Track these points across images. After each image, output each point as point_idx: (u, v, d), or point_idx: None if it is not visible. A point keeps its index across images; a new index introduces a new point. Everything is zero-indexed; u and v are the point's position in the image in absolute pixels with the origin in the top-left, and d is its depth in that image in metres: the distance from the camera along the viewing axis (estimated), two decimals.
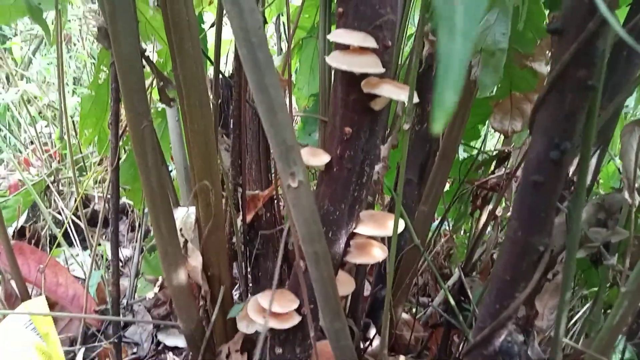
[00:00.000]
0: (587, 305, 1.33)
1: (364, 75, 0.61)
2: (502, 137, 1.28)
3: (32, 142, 2.04)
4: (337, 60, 0.57)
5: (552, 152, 0.35)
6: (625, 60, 1.06)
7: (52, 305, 1.16)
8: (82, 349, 1.07)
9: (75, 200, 1.47)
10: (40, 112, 2.30)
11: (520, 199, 0.40)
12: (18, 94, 1.72)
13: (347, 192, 0.69)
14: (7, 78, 2.16)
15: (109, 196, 0.99)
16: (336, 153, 0.66)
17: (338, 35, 0.57)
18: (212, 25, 1.14)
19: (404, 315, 1.44)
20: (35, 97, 2.12)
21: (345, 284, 0.88)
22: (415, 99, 0.59)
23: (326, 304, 0.54)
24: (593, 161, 1.11)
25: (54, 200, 1.53)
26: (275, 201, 1.09)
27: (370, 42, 0.56)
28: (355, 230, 0.74)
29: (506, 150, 1.16)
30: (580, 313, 1.31)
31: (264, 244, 1.08)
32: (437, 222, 2.01)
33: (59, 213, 1.60)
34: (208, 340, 0.90)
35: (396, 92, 0.58)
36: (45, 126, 2.17)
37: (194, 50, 0.71)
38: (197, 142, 0.78)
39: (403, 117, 0.56)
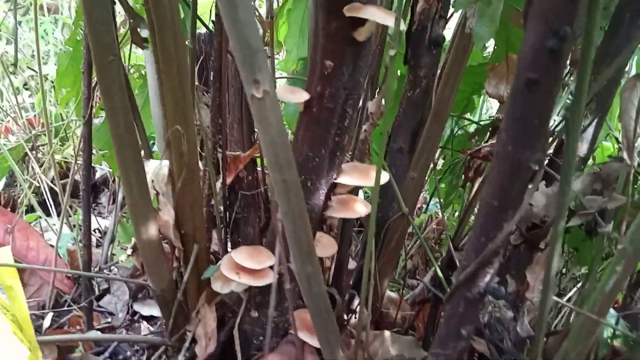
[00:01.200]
0: (580, 284, 1.29)
1: (347, 1, 0.56)
2: (498, 104, 1.23)
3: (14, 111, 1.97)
4: None
5: (550, 40, 0.30)
6: (628, 22, 1.01)
7: (21, 270, 1.11)
8: (50, 314, 1.02)
9: (53, 168, 1.41)
10: (25, 84, 2.23)
11: (511, 104, 0.35)
12: None
13: (328, 135, 0.64)
14: None
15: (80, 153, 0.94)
16: (316, 91, 0.61)
17: None
18: None
19: (391, 294, 1.40)
20: (19, 67, 2.06)
21: (326, 246, 0.83)
22: (403, 26, 0.53)
23: (296, 244, 0.48)
24: (590, 131, 1.07)
25: (32, 168, 1.47)
26: (259, 163, 1.04)
27: None
28: (336, 180, 0.69)
29: (501, 118, 1.11)
30: (572, 292, 1.27)
31: (244, 208, 1.03)
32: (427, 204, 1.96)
33: (38, 181, 1.54)
34: (180, 303, 0.84)
35: (381, 16, 0.52)
36: (29, 96, 2.11)
37: None
38: (170, 86, 0.73)
39: (390, 47, 0.51)
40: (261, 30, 0.81)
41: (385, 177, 0.69)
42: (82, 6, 0.61)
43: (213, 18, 1.05)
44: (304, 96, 0.61)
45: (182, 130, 0.75)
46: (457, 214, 2.02)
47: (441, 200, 1.45)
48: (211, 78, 0.95)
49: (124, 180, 0.72)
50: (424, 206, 1.99)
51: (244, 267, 0.70)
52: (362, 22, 0.56)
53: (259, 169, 1.05)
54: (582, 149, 1.07)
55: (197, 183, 0.81)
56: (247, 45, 0.38)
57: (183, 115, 0.75)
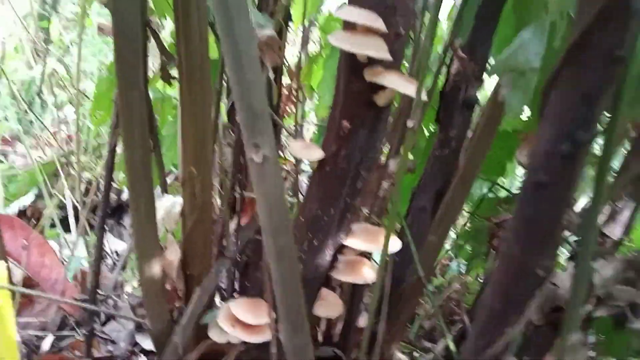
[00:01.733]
0: None
1: (369, 64, 0.54)
2: None
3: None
4: (339, 39, 0.51)
5: (563, 144, 0.27)
6: None
7: (33, 287, 1.11)
8: (51, 336, 1.01)
9: (84, 185, 1.44)
10: (70, 100, 2.33)
11: (520, 207, 0.32)
12: (45, 69, 1.73)
13: (339, 195, 0.62)
14: (40, 55, 2.20)
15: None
16: (331, 150, 0.60)
17: (344, 11, 0.51)
18: None
19: (402, 357, 1.33)
20: (67, 84, 2.15)
21: (331, 305, 0.80)
22: (424, 98, 0.51)
23: (287, 312, 0.46)
24: (626, 214, 1.01)
25: (62, 184, 1.50)
26: None
27: (379, 24, 0.50)
28: (344, 242, 0.66)
29: None
30: None
31: (255, 252, 1.01)
32: (450, 262, 1.89)
33: (67, 197, 1.58)
34: (176, 345, 0.82)
35: (402, 84, 0.51)
36: (74, 112, 2.19)
37: (200, 24, 0.67)
38: (192, 126, 0.73)
39: (414, 112, 0.49)
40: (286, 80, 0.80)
41: (395, 244, 0.66)
42: (113, 37, 0.63)
43: None
44: (318, 154, 0.59)
45: (197, 171, 0.74)
46: (479, 277, 1.94)
47: (461, 260, 1.40)
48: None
49: (133, 213, 0.72)
50: (448, 266, 1.92)
51: (240, 320, 0.68)
52: (383, 86, 0.54)
53: None
54: (616, 232, 1.00)
55: (208, 225, 0.80)
56: (249, 107, 0.37)
57: (201, 156, 0.75)
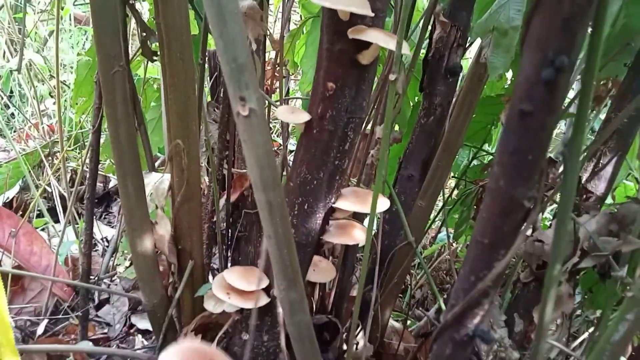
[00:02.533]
0: (592, 330, 1.23)
1: (351, 23, 0.55)
2: None
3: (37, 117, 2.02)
4: None
5: (545, 70, 0.28)
6: None
7: (22, 275, 1.11)
8: (45, 321, 1.01)
9: (69, 175, 1.42)
10: (51, 92, 2.29)
11: (505, 137, 0.33)
12: (22, 61, 1.70)
13: (327, 158, 0.62)
14: (14, 46, 2.15)
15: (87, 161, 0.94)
16: (317, 112, 0.60)
17: None
18: None
19: (395, 324, 1.36)
20: (45, 75, 2.11)
21: (324, 271, 0.81)
22: (405, 49, 0.52)
23: (281, 268, 0.46)
24: (609, 169, 1.03)
25: (46, 174, 1.49)
26: None
27: None
28: (334, 205, 0.67)
29: None
30: (585, 335, 1.21)
31: (246, 227, 1.01)
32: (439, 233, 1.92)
33: (53, 187, 1.56)
34: (172, 320, 0.83)
35: (384, 39, 0.51)
36: (53, 104, 2.15)
37: None
38: (175, 100, 0.73)
39: (395, 66, 0.49)
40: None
41: (384, 203, 0.66)
42: (91, 13, 0.62)
43: None
44: (304, 117, 0.59)
45: (184, 144, 0.74)
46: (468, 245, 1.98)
47: (450, 230, 1.42)
48: (221, 95, 0.95)
49: (121, 190, 0.72)
50: (436, 236, 1.95)
51: (234, 288, 0.69)
52: (366, 45, 0.55)
53: None
54: (600, 187, 1.03)
55: (197, 199, 0.80)
56: (233, 60, 0.37)
57: (186, 129, 0.75)
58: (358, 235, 0.70)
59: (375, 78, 1.08)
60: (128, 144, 0.69)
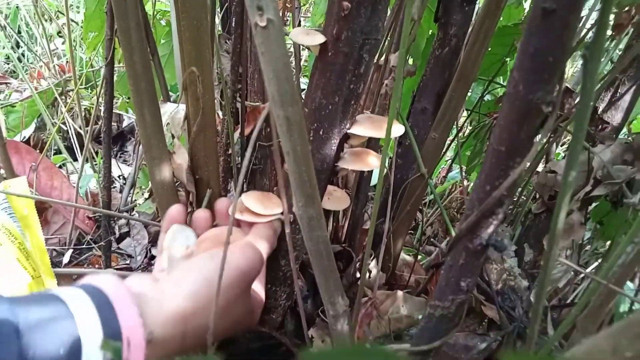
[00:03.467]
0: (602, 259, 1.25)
1: None
2: None
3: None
4: None
5: None
6: None
7: (45, 209, 1.15)
8: (70, 250, 1.06)
9: (79, 112, 1.44)
10: (59, 32, 2.26)
11: (525, 40, 0.32)
12: None
13: (343, 82, 0.62)
14: None
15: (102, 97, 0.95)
16: (332, 34, 0.59)
17: None
18: None
19: (406, 257, 1.39)
20: (54, 14, 2.08)
21: (339, 200, 0.82)
22: None
23: (299, 185, 0.48)
24: (626, 99, 1.02)
25: (61, 112, 1.50)
26: None
27: None
28: (349, 131, 0.68)
29: None
30: (593, 266, 1.24)
31: (261, 159, 1.03)
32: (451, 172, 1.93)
33: (68, 125, 1.58)
34: None
35: None
36: (62, 43, 2.14)
37: None
38: (188, 26, 0.72)
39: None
40: None
41: (399, 129, 0.67)
42: None
43: None
44: (320, 38, 0.59)
45: (198, 72, 0.74)
46: None
47: (463, 167, 1.42)
48: (232, 25, 0.93)
49: (138, 120, 0.73)
50: (447, 175, 1.96)
51: (251, 211, 0.71)
52: None
53: None
54: (616, 117, 1.02)
55: (212, 128, 0.81)
56: None
57: (200, 57, 0.74)
58: (372, 161, 0.71)
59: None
60: (144, 71, 0.69)
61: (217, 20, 1.10)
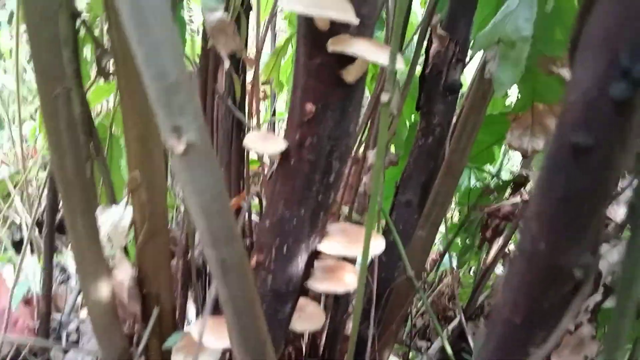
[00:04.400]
0: None
1: (332, 33, 0.45)
2: (521, 159, 1.11)
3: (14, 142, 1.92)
4: (291, 0, 0.41)
5: (615, 84, 0.18)
6: None
7: None
8: None
9: (36, 202, 1.32)
10: (31, 116, 2.20)
11: (547, 184, 0.23)
12: None
13: (309, 192, 0.52)
14: None
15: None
16: (295, 139, 0.50)
17: None
18: None
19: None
20: (25, 99, 2.03)
21: (311, 318, 0.70)
22: (400, 63, 0.42)
23: (241, 341, 0.36)
24: (628, 193, 0.93)
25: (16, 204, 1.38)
26: (247, 213, 0.93)
27: None
28: (319, 247, 0.57)
29: (525, 174, 0.98)
30: None
31: None
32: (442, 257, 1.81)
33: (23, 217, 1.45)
34: None
35: (372, 52, 0.41)
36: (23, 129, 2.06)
37: None
38: (133, 121, 0.63)
39: (391, 87, 0.39)
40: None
41: (378, 245, 0.56)
42: (26, 24, 0.52)
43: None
44: (279, 145, 0.49)
45: (146, 173, 0.64)
46: (472, 269, 1.86)
47: (453, 255, 1.31)
48: None
49: (70, 231, 0.61)
50: (438, 261, 1.84)
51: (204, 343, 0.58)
52: (352, 59, 0.45)
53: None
54: (619, 213, 0.93)
55: (163, 235, 0.70)
56: (161, 76, 0.27)
57: (149, 156, 0.65)
58: (349, 280, 0.59)
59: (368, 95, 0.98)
60: (76, 177, 0.59)
61: None
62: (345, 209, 0.89)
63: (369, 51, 0.41)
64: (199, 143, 0.29)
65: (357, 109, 0.50)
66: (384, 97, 0.39)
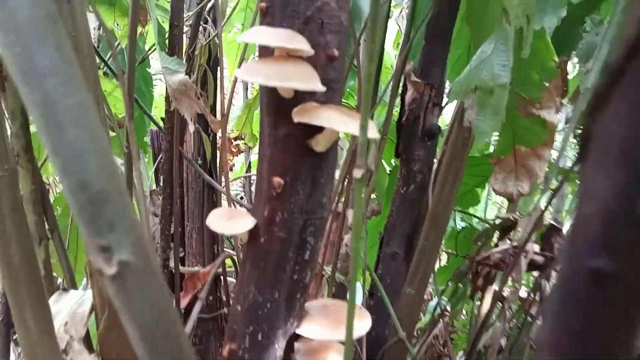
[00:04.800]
0: None
1: (298, 101, 0.41)
2: (506, 202, 1.07)
3: None
4: (249, 71, 0.37)
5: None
6: None
7: None
8: None
9: None
10: None
11: (561, 313, 0.18)
12: None
13: (283, 273, 0.47)
14: None
15: None
16: (263, 215, 0.45)
17: (251, 34, 0.37)
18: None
19: None
20: None
21: None
22: (374, 134, 0.38)
23: None
24: None
25: None
26: (222, 280, 0.86)
27: (301, 43, 0.36)
28: (297, 331, 0.51)
29: (512, 218, 0.94)
30: None
31: (202, 337, 0.84)
32: (432, 301, 1.75)
33: None
34: None
35: (341, 121, 0.37)
36: None
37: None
38: None
39: (364, 154, 0.35)
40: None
41: (363, 326, 0.51)
42: None
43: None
44: (246, 224, 0.44)
45: None
46: (465, 312, 1.80)
47: (444, 298, 1.26)
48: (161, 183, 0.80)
49: (18, 326, 0.55)
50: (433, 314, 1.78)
51: None
52: (320, 127, 0.41)
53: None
54: None
55: None
56: (83, 186, 0.22)
57: None
58: None
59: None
60: (24, 266, 0.53)
61: (151, 172, 0.97)
62: (328, 269, 0.83)
63: (338, 121, 0.37)
64: (135, 261, 0.24)
65: (329, 178, 0.45)
66: (357, 174, 0.34)
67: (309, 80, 0.36)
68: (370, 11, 0.31)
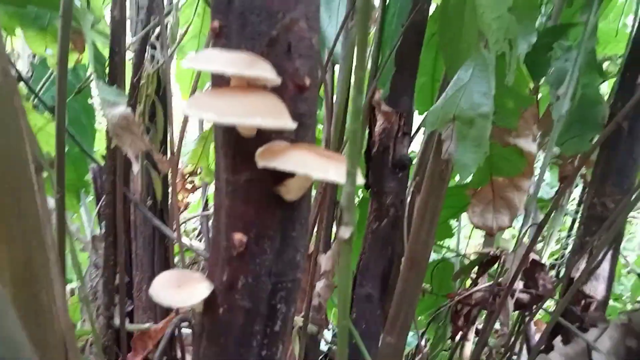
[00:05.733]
0: None
1: (263, 139, 0.33)
2: (483, 235, 1.02)
3: None
4: (199, 106, 0.29)
5: None
6: (627, 136, 0.85)
7: None
8: None
9: None
10: None
11: None
12: None
13: (248, 350, 0.38)
14: None
15: None
16: (222, 280, 0.36)
17: (200, 59, 0.29)
18: None
19: None
20: None
21: None
22: (360, 180, 0.30)
23: None
24: (605, 267, 0.85)
25: None
26: (177, 336, 0.76)
27: (264, 70, 0.29)
28: None
29: (492, 253, 0.88)
30: None
31: None
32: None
33: None
34: None
35: (319, 166, 0.29)
36: None
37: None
38: (11, 260, 0.47)
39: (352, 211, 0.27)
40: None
41: None
42: None
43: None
44: (200, 293, 0.36)
45: (33, 329, 0.47)
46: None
47: (424, 334, 1.18)
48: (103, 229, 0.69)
49: None
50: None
51: None
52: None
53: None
54: (599, 289, 0.84)
55: None
56: None
57: (34, 302, 0.48)
58: None
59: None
60: None
61: (94, 214, 0.87)
62: (299, 320, 0.74)
63: (315, 166, 0.29)
64: None
65: (303, 231, 0.37)
66: (345, 233, 0.26)
67: (277, 116, 0.29)
68: (357, 35, 0.24)
